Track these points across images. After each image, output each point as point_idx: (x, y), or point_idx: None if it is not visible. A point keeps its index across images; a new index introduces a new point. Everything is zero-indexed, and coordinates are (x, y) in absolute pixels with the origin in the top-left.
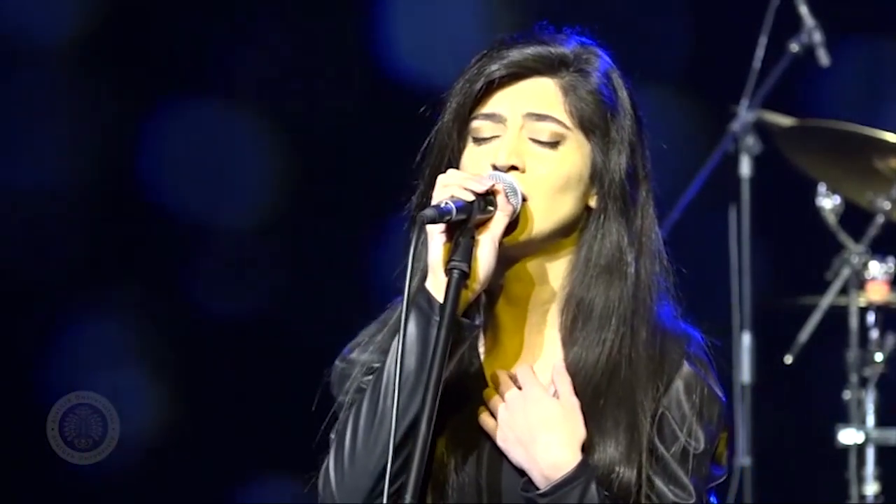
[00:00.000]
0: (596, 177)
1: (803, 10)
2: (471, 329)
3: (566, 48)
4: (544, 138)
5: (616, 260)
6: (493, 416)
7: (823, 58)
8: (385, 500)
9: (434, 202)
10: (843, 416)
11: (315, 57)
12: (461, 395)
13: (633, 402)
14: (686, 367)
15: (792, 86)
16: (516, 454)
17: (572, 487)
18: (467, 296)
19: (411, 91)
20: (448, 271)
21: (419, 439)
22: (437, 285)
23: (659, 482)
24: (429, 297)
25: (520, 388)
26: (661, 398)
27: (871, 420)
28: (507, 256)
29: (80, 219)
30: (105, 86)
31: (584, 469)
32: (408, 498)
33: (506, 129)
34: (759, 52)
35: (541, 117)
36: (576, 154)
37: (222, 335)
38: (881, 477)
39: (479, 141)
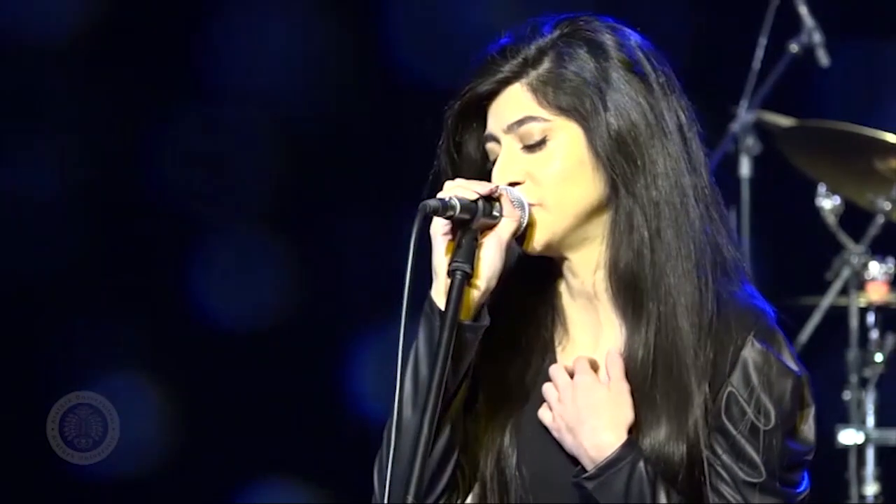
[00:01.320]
0: (597, 153)
1: (803, 10)
2: (473, 330)
3: (528, 47)
4: (533, 140)
5: (632, 221)
6: (551, 408)
7: (823, 58)
8: (386, 501)
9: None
10: (843, 416)
11: (316, 56)
12: (538, 393)
13: (684, 378)
14: (754, 344)
15: (792, 86)
16: (567, 441)
17: (618, 469)
18: (474, 296)
19: (413, 89)
20: (450, 273)
21: (420, 440)
22: (440, 291)
23: (728, 459)
24: (432, 304)
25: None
26: (730, 376)
27: (871, 420)
28: (555, 256)
29: (81, 218)
30: (105, 84)
31: (630, 449)
32: (409, 498)
33: (500, 147)
34: (759, 53)
35: (520, 122)
36: (567, 142)
37: (223, 335)
38: (881, 477)
39: (493, 164)
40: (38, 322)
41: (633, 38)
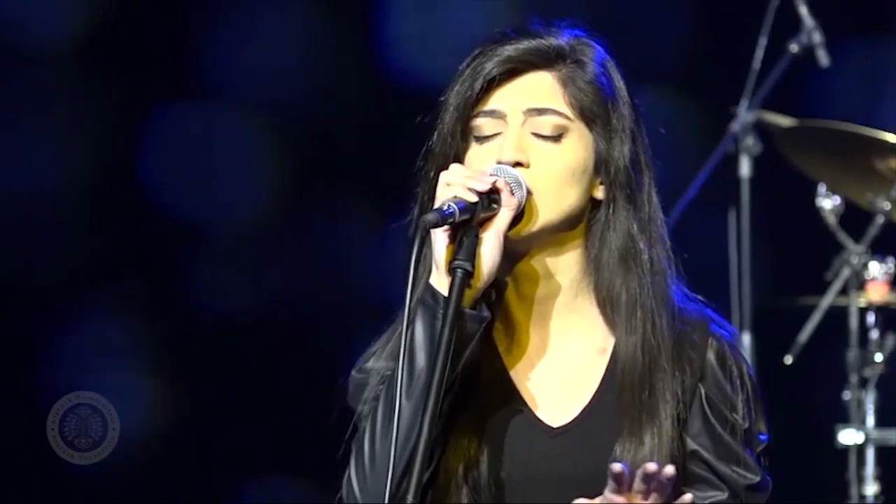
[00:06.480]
0: (600, 167)
1: (803, 10)
2: (477, 320)
3: (561, 40)
4: (547, 132)
5: (629, 248)
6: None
7: (823, 58)
8: (386, 500)
9: (437, 204)
10: (843, 416)
11: (315, 56)
12: (483, 390)
13: (661, 390)
14: (714, 346)
15: (792, 86)
16: None
17: None
18: (471, 293)
19: (411, 90)
20: (451, 271)
21: (421, 437)
22: (441, 283)
23: (722, 467)
24: (434, 294)
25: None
26: (700, 382)
27: (871, 420)
28: (515, 252)
29: (80, 219)
30: (105, 85)
31: None
32: (409, 498)
33: (507, 125)
34: (759, 53)
35: (542, 111)
36: (579, 145)
37: (222, 335)
38: (881, 477)
39: (481, 139)
40: (38, 322)
41: (622, 71)
